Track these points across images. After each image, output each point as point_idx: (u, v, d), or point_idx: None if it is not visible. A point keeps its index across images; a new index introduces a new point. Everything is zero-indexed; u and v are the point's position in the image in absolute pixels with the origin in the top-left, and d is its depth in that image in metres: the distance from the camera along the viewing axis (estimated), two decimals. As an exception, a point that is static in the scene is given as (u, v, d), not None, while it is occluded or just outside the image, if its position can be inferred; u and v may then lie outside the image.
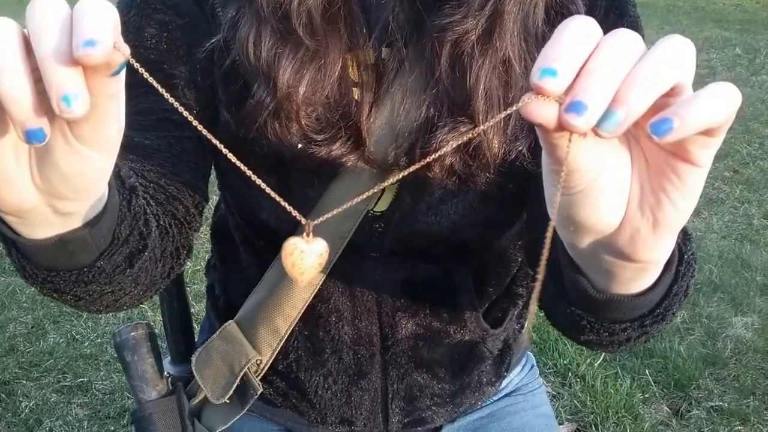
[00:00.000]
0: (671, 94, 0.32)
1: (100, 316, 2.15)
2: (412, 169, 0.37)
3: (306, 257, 0.40)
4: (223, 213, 0.82)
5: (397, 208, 0.66)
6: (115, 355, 1.96)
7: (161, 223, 0.58)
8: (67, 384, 1.87)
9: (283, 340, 0.71)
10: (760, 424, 1.75)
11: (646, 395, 1.85)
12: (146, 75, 0.33)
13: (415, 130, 0.61)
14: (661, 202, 0.35)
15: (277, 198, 0.39)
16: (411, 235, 0.68)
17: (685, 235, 0.48)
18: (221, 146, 0.36)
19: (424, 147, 0.60)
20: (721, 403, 1.82)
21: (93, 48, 0.29)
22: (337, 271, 0.69)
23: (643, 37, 0.68)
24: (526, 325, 0.84)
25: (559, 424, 1.72)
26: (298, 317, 0.70)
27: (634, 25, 0.64)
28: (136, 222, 0.50)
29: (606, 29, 0.32)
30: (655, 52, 0.31)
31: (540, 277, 0.32)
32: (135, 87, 0.46)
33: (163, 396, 0.75)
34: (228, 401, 0.73)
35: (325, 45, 0.59)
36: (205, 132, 0.36)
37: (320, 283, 0.70)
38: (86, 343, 2.02)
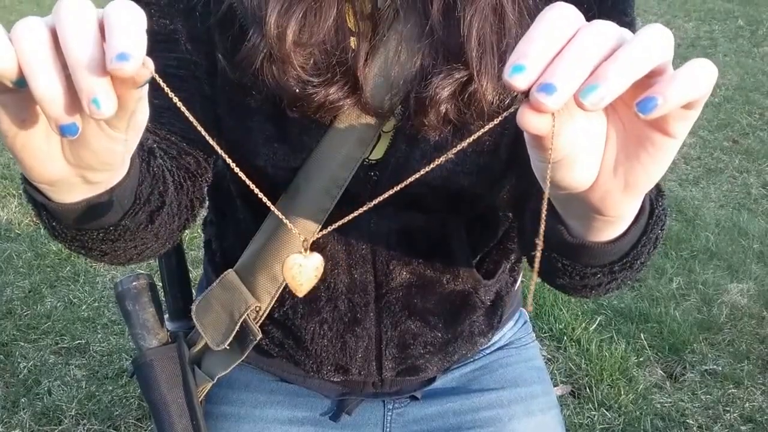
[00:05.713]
0: (653, 75, 0.34)
1: (96, 280, 2.16)
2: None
3: (304, 271, 0.46)
4: (220, 167, 0.82)
5: (392, 155, 0.67)
6: (113, 318, 1.98)
7: (176, 178, 0.62)
8: (64, 346, 1.88)
9: (282, 287, 0.71)
10: (754, 387, 1.77)
11: (641, 359, 1.87)
12: (164, 86, 0.36)
13: (410, 79, 0.62)
14: (633, 168, 0.38)
15: (275, 211, 0.46)
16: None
17: (658, 191, 0.52)
18: (225, 155, 0.41)
19: (420, 94, 0.61)
20: (715, 366, 1.84)
21: (126, 63, 0.32)
22: (333, 220, 0.70)
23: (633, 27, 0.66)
24: (522, 286, 0.84)
25: (554, 386, 1.73)
26: None
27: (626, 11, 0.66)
28: (155, 182, 0.55)
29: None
30: (635, 39, 0.33)
31: (538, 251, 0.36)
32: None
33: (164, 344, 0.77)
34: (227, 348, 0.74)
35: None
36: (208, 138, 0.40)
37: (318, 231, 0.70)
38: (83, 307, 2.03)
